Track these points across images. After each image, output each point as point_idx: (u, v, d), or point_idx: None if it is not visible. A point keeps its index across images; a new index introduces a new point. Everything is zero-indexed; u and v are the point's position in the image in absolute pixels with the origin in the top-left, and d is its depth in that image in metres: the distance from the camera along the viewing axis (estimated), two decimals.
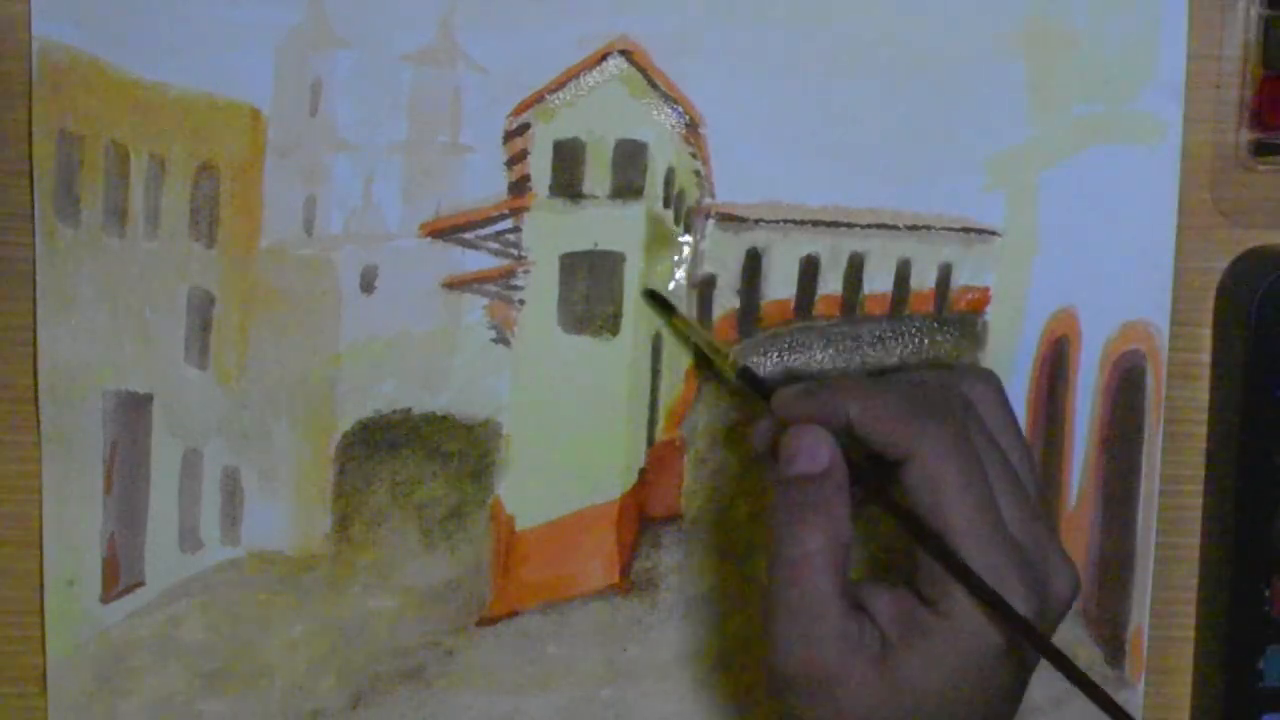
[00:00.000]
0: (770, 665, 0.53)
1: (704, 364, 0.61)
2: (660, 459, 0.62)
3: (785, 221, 0.61)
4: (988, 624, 0.51)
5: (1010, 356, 0.63)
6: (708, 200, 0.61)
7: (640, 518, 0.63)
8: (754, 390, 0.58)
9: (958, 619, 0.51)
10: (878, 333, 0.62)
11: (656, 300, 0.61)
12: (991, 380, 0.56)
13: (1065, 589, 0.53)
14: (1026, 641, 0.51)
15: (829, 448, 0.53)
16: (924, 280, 0.62)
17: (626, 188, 0.61)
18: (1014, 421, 0.56)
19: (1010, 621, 0.51)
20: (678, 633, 0.63)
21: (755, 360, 0.62)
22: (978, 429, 0.54)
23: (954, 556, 0.51)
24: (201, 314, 0.60)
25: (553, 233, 0.61)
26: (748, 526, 0.63)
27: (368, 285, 0.60)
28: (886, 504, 0.53)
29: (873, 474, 0.53)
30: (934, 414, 0.52)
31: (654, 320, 0.61)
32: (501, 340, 0.61)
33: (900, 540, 0.53)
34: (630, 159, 0.61)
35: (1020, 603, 0.51)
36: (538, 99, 0.60)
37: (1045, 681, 0.64)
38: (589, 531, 0.62)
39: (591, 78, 0.60)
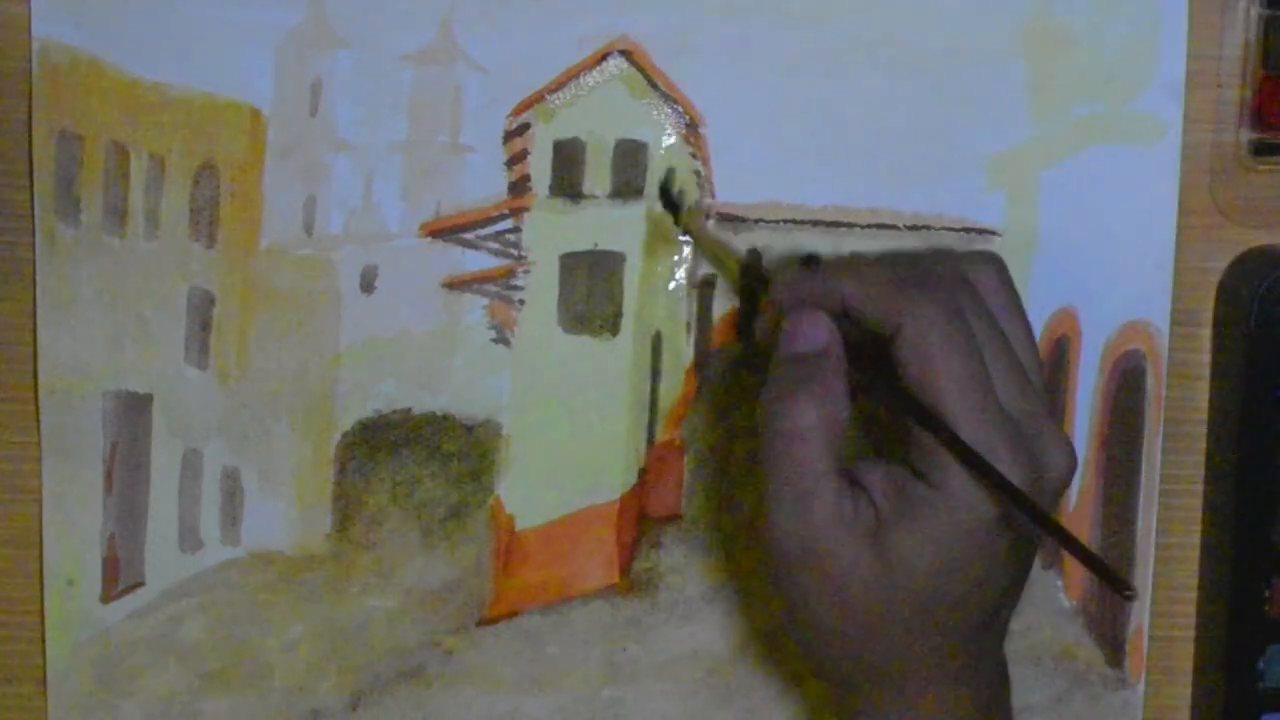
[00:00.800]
0: (765, 539, 0.53)
1: (715, 266, 0.61)
2: (660, 459, 0.62)
3: (785, 221, 0.61)
4: (982, 496, 0.51)
5: None
6: (708, 200, 0.61)
7: (640, 518, 0.63)
8: (756, 279, 0.58)
9: (951, 492, 0.51)
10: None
11: (665, 197, 0.60)
12: (994, 262, 0.55)
13: (1061, 464, 0.53)
14: (1017, 509, 0.51)
15: (826, 328, 0.53)
16: None
17: (626, 188, 0.61)
18: (1016, 304, 0.55)
19: (1000, 490, 0.50)
20: (678, 633, 0.63)
21: (756, 359, 0.62)
22: (974, 306, 0.53)
23: (943, 426, 0.50)
24: (201, 314, 0.60)
25: (553, 233, 0.61)
26: (748, 526, 0.63)
27: (368, 285, 0.60)
28: (879, 379, 0.53)
29: (867, 351, 0.53)
30: (924, 286, 0.52)
31: (654, 320, 0.61)
32: (501, 340, 0.61)
33: (897, 419, 0.53)
34: (630, 159, 0.61)
35: (1011, 474, 0.50)
36: (538, 99, 0.60)
37: (1044, 681, 0.64)
38: (589, 531, 0.62)
39: (591, 78, 0.60)
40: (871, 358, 0.53)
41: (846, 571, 0.52)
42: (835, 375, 0.53)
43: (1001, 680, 0.56)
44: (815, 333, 0.53)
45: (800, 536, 0.52)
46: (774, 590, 0.55)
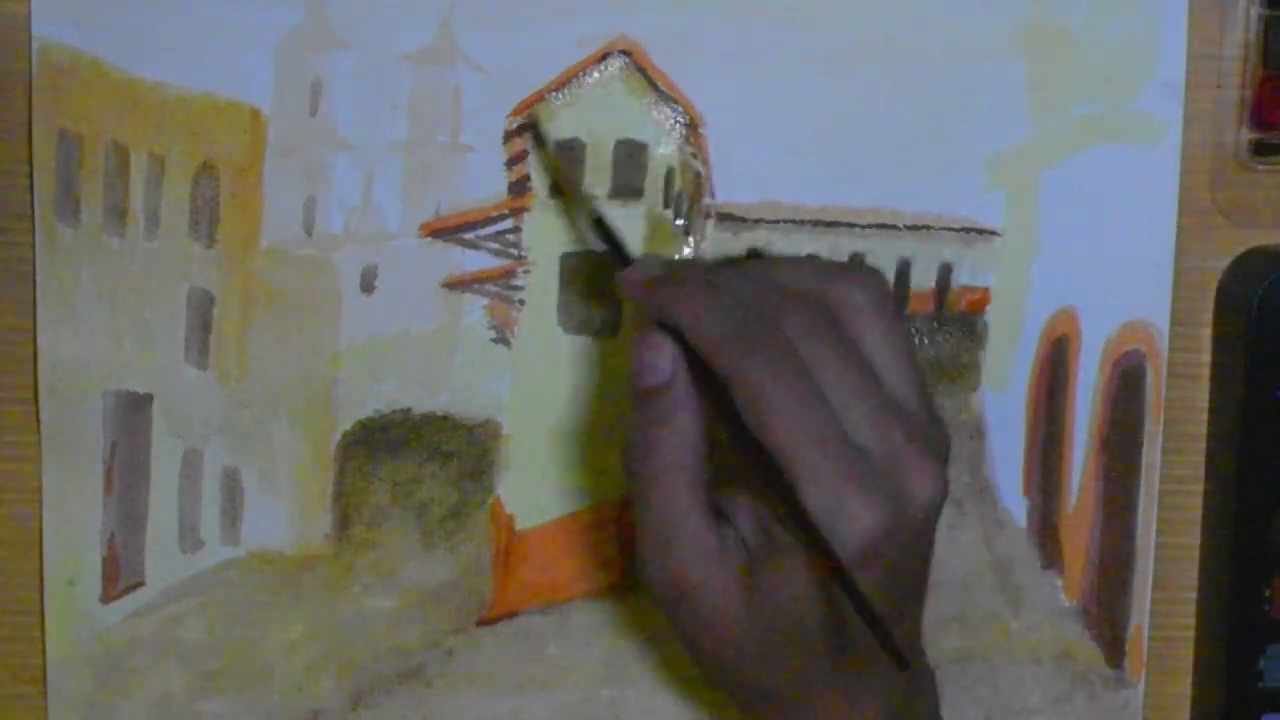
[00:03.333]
0: (637, 575, 0.53)
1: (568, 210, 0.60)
2: None
3: (785, 221, 0.61)
4: (840, 540, 0.49)
5: (1010, 356, 0.63)
6: (708, 200, 0.61)
7: None
8: (608, 245, 0.56)
9: (807, 539, 0.50)
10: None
11: (533, 131, 0.60)
12: (869, 285, 0.53)
13: (926, 489, 0.51)
14: (840, 587, 0.49)
15: (668, 360, 0.51)
16: (924, 280, 0.62)
17: (626, 188, 0.61)
18: (888, 322, 0.53)
19: (824, 556, 0.49)
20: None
21: None
22: (820, 335, 0.51)
23: (779, 485, 0.49)
24: (201, 314, 0.60)
25: (553, 233, 0.61)
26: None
27: (368, 285, 0.60)
28: (723, 420, 0.51)
29: (711, 387, 0.51)
30: (756, 332, 0.50)
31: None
32: (501, 340, 0.61)
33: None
34: (630, 159, 0.61)
35: (866, 514, 0.49)
36: (538, 99, 0.60)
37: (1045, 682, 0.64)
38: (589, 531, 0.62)
39: (591, 78, 0.60)
40: (712, 390, 0.52)
41: (719, 605, 0.51)
42: (684, 409, 0.51)
43: (916, 688, 0.55)
44: (658, 364, 0.52)
45: (669, 574, 0.52)
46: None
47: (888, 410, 0.51)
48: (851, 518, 0.49)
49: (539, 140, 0.60)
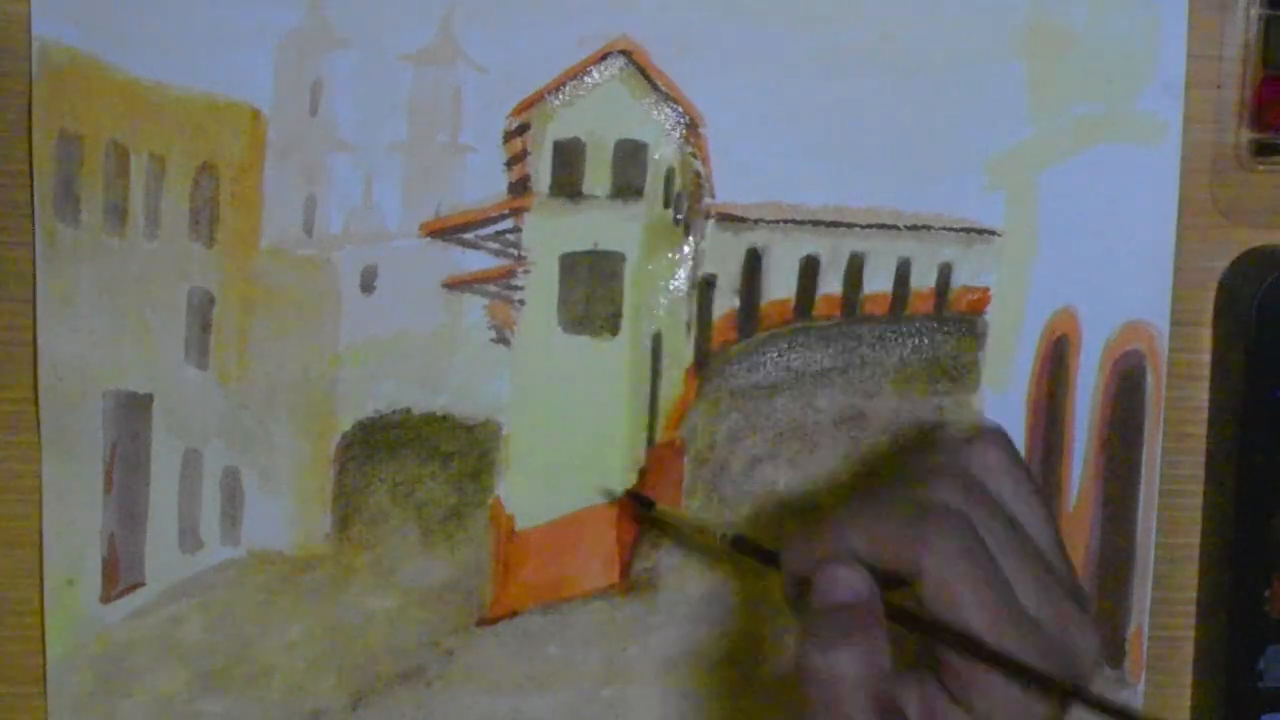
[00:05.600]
0: None
1: (694, 544, 0.61)
2: (660, 459, 0.62)
3: (785, 221, 0.61)
4: (1023, 715, 0.50)
5: (1010, 356, 0.63)
6: (708, 200, 0.61)
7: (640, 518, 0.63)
8: (756, 558, 0.57)
9: (987, 716, 0.51)
10: (878, 333, 0.62)
11: (639, 500, 0.61)
12: (998, 441, 0.55)
13: (1089, 649, 0.52)
14: (1078, 702, 0.51)
15: (864, 578, 0.52)
16: (924, 280, 0.62)
17: (626, 188, 0.61)
18: (1026, 479, 0.55)
19: (1045, 688, 0.50)
20: (678, 633, 0.63)
21: (756, 359, 0.62)
22: (986, 510, 0.53)
23: (986, 650, 0.50)
24: (201, 314, 0.60)
25: (553, 233, 0.61)
26: (748, 526, 0.63)
27: (368, 285, 0.60)
28: (910, 618, 0.52)
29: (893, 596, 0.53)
30: (935, 525, 0.51)
31: (654, 320, 0.61)
32: (501, 340, 0.61)
33: (925, 644, 0.53)
34: (630, 159, 0.61)
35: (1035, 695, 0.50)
36: (538, 99, 0.60)
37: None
38: (589, 531, 0.62)
39: (591, 78, 0.60)
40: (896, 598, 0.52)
41: None
42: (878, 624, 0.52)
43: None
44: (855, 581, 0.52)
45: None
46: None
47: (1048, 574, 0.53)
48: (1040, 696, 0.51)
49: (642, 500, 0.61)
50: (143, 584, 0.61)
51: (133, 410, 0.61)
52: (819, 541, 0.53)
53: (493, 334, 0.61)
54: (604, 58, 0.60)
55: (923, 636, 0.52)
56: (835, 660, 0.51)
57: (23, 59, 0.59)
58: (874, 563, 0.52)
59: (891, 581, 0.52)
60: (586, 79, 0.60)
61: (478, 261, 0.61)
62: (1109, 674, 0.64)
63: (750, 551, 0.58)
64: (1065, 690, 0.50)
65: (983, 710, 0.51)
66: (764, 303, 0.62)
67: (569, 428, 0.62)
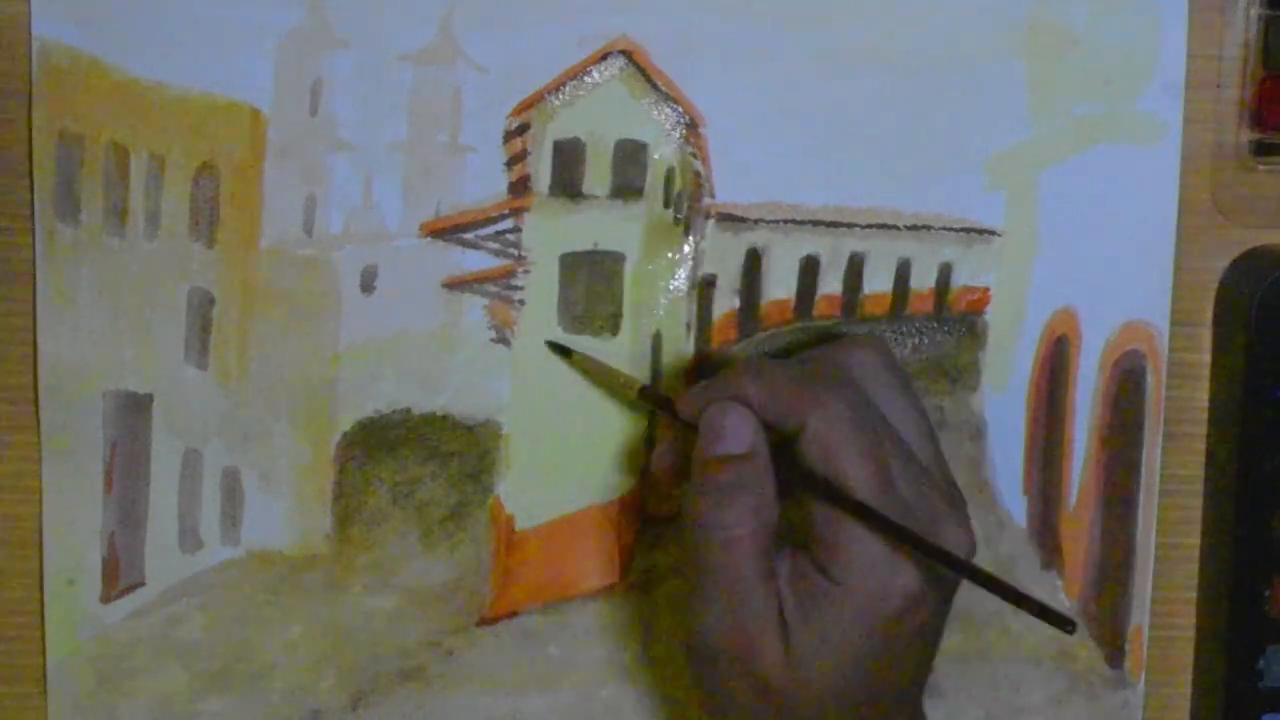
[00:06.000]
0: (694, 639, 0.54)
1: (612, 393, 0.61)
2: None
3: (785, 221, 0.61)
4: (883, 589, 0.51)
5: (1010, 356, 0.63)
6: (708, 200, 0.61)
7: (640, 518, 0.63)
8: (657, 406, 0.59)
9: (852, 587, 0.52)
10: (878, 333, 0.62)
11: (554, 348, 0.61)
12: (877, 347, 0.56)
13: (960, 545, 0.53)
14: (954, 570, 0.52)
15: (752, 426, 0.53)
16: (924, 280, 0.62)
17: (626, 188, 0.61)
18: (903, 384, 0.56)
19: (934, 557, 0.51)
20: (678, 632, 0.63)
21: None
22: (864, 398, 0.54)
23: (867, 510, 0.51)
24: (201, 314, 0.60)
25: (553, 233, 0.61)
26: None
27: (368, 285, 0.60)
28: (798, 472, 0.53)
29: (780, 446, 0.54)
30: (825, 384, 0.53)
31: (654, 320, 0.61)
32: (501, 340, 0.61)
33: (792, 512, 0.54)
34: (630, 159, 0.61)
35: (910, 566, 0.52)
36: (538, 99, 0.60)
37: (1043, 681, 0.64)
38: (589, 531, 0.62)
39: (591, 78, 0.60)
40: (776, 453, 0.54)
41: (768, 666, 0.52)
42: (767, 477, 0.53)
43: None
44: (742, 432, 0.53)
45: (733, 639, 0.52)
46: (692, 682, 0.55)
47: (921, 468, 0.54)
48: (903, 570, 0.52)
49: (561, 351, 0.61)
50: (143, 584, 0.61)
51: (133, 410, 0.61)
52: (713, 389, 0.54)
53: (493, 334, 0.61)
54: (604, 58, 0.60)
55: (800, 502, 0.53)
56: (726, 515, 0.52)
57: (23, 59, 0.59)
58: (763, 411, 0.53)
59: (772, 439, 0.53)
60: (586, 79, 0.60)
61: (478, 261, 0.61)
62: (1109, 674, 0.64)
63: (653, 400, 0.58)
64: (947, 559, 0.51)
65: (846, 580, 0.51)
66: (764, 303, 0.62)
67: (569, 428, 0.62)
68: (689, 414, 0.55)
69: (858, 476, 0.52)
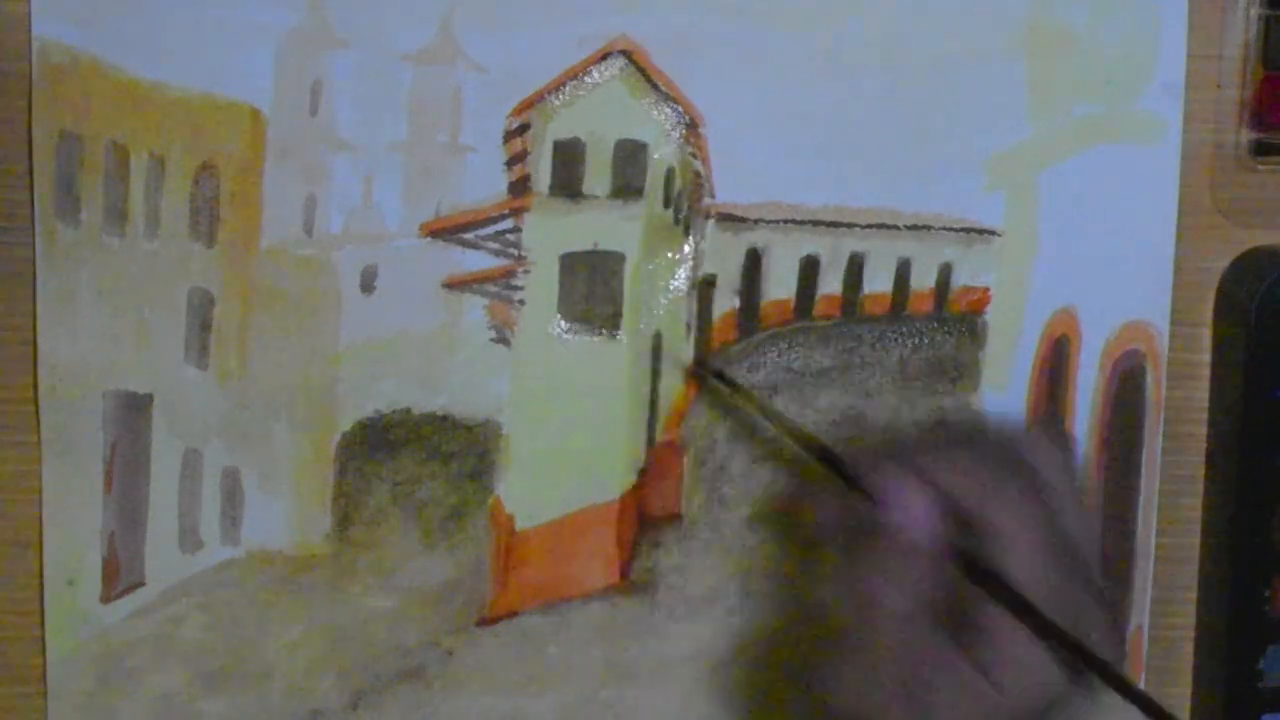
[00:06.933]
0: (828, 700, 0.51)
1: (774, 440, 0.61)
2: (660, 459, 0.62)
3: (785, 221, 0.61)
4: (1041, 695, 0.50)
5: (1010, 356, 0.63)
6: (708, 200, 0.61)
7: (640, 518, 0.63)
8: (830, 465, 0.55)
9: (1008, 690, 0.50)
10: (878, 333, 0.62)
11: (720, 377, 0.60)
12: (1065, 445, 0.55)
13: (1111, 658, 0.51)
14: (1117, 692, 0.49)
15: (938, 510, 0.51)
16: (924, 280, 0.62)
17: (626, 188, 0.61)
18: (1080, 493, 0.54)
19: (1094, 669, 0.49)
20: (678, 633, 0.63)
21: (756, 359, 0.62)
22: (1051, 504, 0.52)
23: (1042, 617, 0.49)
24: (201, 314, 0.60)
25: (553, 233, 0.61)
26: (748, 526, 0.63)
27: (368, 285, 0.60)
28: (974, 569, 0.51)
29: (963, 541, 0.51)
30: (1011, 477, 0.51)
31: (654, 320, 0.61)
32: (501, 340, 0.61)
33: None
34: (630, 159, 0.61)
35: (1058, 667, 0.50)
36: (538, 99, 0.60)
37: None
38: (589, 531, 0.62)
39: (591, 78, 0.60)
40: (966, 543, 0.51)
41: None
42: (939, 561, 0.51)
43: None
44: (923, 515, 0.51)
45: (867, 702, 0.50)
46: None
47: (1076, 566, 0.51)
48: (1056, 676, 0.50)
49: (726, 382, 0.60)
50: (143, 584, 0.61)
51: (133, 410, 0.61)
52: (892, 461, 0.52)
53: (493, 334, 0.61)
54: (604, 58, 0.60)
55: (963, 586, 0.50)
56: (890, 591, 0.50)
57: (23, 59, 0.59)
58: (951, 503, 0.51)
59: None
60: (586, 79, 0.60)
61: (478, 261, 0.61)
62: None
63: (828, 459, 0.55)
64: (1098, 664, 0.49)
65: (1004, 683, 0.49)
66: (764, 303, 0.62)
67: (569, 428, 0.62)
68: (868, 483, 0.52)
69: (1026, 576, 0.49)
